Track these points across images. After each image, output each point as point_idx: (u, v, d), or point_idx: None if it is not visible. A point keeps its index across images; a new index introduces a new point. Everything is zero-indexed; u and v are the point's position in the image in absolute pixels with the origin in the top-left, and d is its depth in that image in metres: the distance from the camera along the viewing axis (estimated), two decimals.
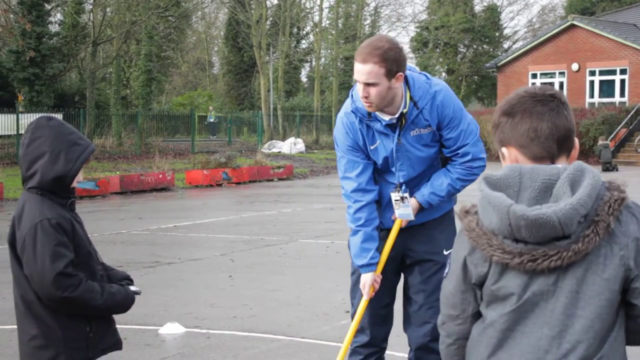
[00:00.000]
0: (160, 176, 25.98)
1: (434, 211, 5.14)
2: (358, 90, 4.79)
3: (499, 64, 48.61)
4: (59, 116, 34.18)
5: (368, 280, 5.01)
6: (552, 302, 2.49)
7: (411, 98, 4.87)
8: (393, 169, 5.03)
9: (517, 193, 2.49)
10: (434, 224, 5.17)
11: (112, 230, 14.73)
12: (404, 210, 4.97)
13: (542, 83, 45.72)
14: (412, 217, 5.00)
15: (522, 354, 2.51)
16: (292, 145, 41.69)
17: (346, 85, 55.56)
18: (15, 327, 7.85)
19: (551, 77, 45.68)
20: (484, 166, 4.96)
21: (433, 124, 4.94)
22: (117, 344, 4.11)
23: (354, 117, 4.94)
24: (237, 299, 9.56)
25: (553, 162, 2.58)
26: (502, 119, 2.65)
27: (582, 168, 2.48)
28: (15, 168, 27.47)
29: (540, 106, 2.58)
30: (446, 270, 2.77)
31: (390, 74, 4.65)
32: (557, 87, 45.05)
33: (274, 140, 43.55)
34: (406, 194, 4.99)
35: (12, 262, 3.94)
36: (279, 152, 40.33)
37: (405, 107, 4.85)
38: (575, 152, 2.64)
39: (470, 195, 3.27)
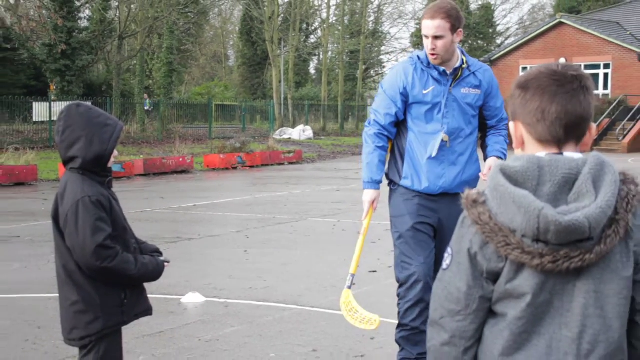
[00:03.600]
0: (181, 160, 25.99)
1: (466, 184, 5.13)
2: (425, 45, 5.10)
3: (492, 59, 48.39)
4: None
5: (375, 197, 5.30)
6: (569, 303, 2.23)
7: (467, 62, 5.24)
8: (439, 115, 5.19)
9: (536, 187, 2.20)
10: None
11: (137, 209, 14.75)
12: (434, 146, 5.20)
13: None
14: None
15: (541, 356, 2.25)
16: (301, 132, 41.65)
17: (351, 77, 55.59)
18: (50, 295, 7.96)
19: None
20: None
21: (483, 87, 5.31)
22: (148, 310, 4.17)
23: (410, 66, 5.24)
24: (252, 271, 9.61)
25: (559, 147, 2.28)
26: (516, 92, 2.34)
27: (602, 162, 2.21)
28: (48, 152, 27.54)
29: (555, 86, 2.25)
30: (448, 262, 2.40)
31: (453, 29, 5.04)
32: None
33: (284, 127, 43.49)
34: (448, 138, 5.21)
35: (55, 235, 3.99)
36: (289, 138, 40.26)
37: (462, 64, 5.20)
38: (589, 138, 2.32)
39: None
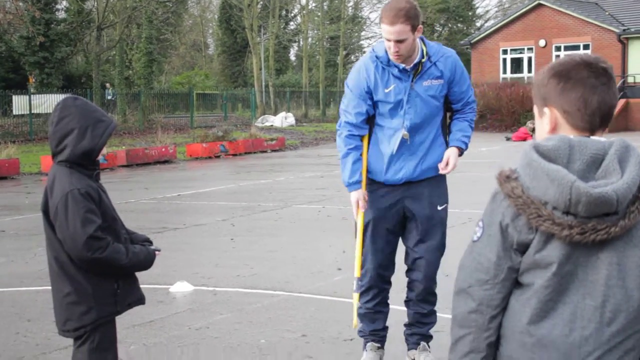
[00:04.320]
0: (163, 150, 26.00)
1: (430, 170, 5.36)
2: (387, 47, 5.08)
3: (472, 41, 48.55)
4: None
5: (359, 196, 5.31)
6: (593, 274, 2.39)
7: (427, 53, 5.20)
8: (401, 112, 5.25)
9: (567, 164, 2.35)
10: (428, 182, 5.41)
11: (122, 200, 14.68)
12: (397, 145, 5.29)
13: (512, 58, 45.88)
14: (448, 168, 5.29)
15: (566, 324, 2.39)
16: (283, 119, 41.71)
17: (332, 63, 55.62)
18: (39, 288, 8.02)
19: (520, 52, 45.66)
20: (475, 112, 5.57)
21: (445, 76, 5.28)
22: (141, 299, 4.23)
23: (371, 64, 5.26)
24: (239, 259, 9.68)
25: (592, 133, 2.47)
26: (553, 80, 2.51)
27: (627, 145, 2.39)
28: (29, 145, 27.54)
29: (594, 79, 2.45)
30: (478, 234, 2.53)
31: (414, 29, 5.02)
32: (525, 62, 45.37)
33: (266, 115, 43.55)
34: (408, 135, 5.28)
35: (46, 228, 4.03)
36: (271, 125, 40.35)
37: (422, 57, 5.18)
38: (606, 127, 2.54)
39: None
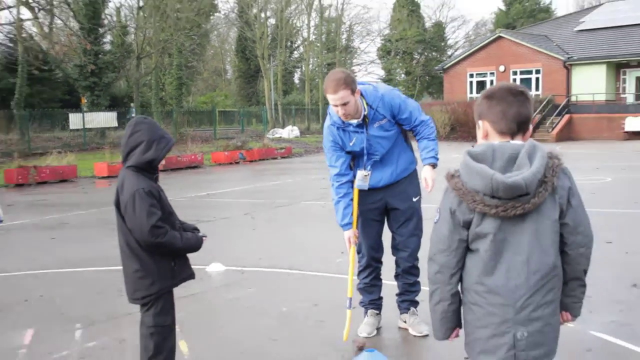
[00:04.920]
0: (193, 157, 26.03)
1: (404, 172, 5.56)
2: (335, 111, 5.23)
3: (444, 67, 48.48)
4: (114, 114, 34.56)
5: (350, 234, 5.47)
6: (519, 239, 2.75)
7: (367, 104, 5.29)
8: (365, 154, 5.41)
9: (491, 163, 2.71)
10: (404, 181, 5.57)
11: None
12: (361, 182, 5.42)
13: (477, 81, 45.83)
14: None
15: (504, 275, 2.76)
16: (290, 132, 41.75)
17: None
18: (103, 268, 8.17)
19: (484, 76, 45.51)
20: (431, 119, 5.52)
21: (387, 115, 5.36)
22: (192, 275, 4.40)
23: (334, 129, 5.39)
24: (260, 245, 9.81)
25: (512, 138, 2.83)
26: (484, 101, 2.89)
27: (534, 145, 2.75)
28: (84, 154, 27.59)
29: (512, 97, 2.83)
30: (437, 218, 2.91)
31: (352, 92, 5.11)
32: (488, 84, 45.06)
33: (276, 128, 43.54)
34: (369, 172, 5.44)
35: (118, 219, 4.18)
36: (280, 137, 40.32)
37: (365, 111, 5.29)
38: (529, 133, 2.87)
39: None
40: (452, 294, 2.94)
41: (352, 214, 5.45)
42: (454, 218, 2.83)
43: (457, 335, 3.03)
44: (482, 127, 2.91)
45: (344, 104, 5.11)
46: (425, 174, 5.36)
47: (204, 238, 4.44)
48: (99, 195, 17.38)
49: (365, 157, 5.44)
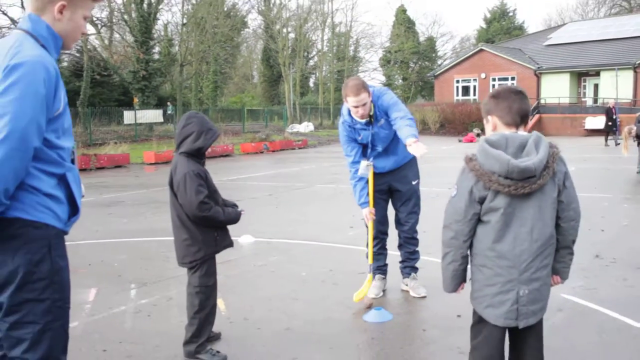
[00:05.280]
0: (225, 147, 25.92)
1: (404, 159, 5.50)
2: (354, 112, 5.14)
3: (435, 74, 48.26)
4: (160, 111, 34.55)
5: (367, 212, 5.41)
6: (525, 212, 2.82)
7: (372, 105, 5.22)
8: (369, 147, 5.38)
9: (505, 150, 2.79)
10: (405, 167, 5.53)
11: None
12: (364, 171, 5.31)
13: (462, 86, 45.64)
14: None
15: (511, 243, 2.83)
16: (305, 127, 41.55)
17: (339, 88, 55.27)
18: (151, 238, 8.14)
19: (468, 82, 45.25)
20: (413, 119, 5.10)
21: (383, 114, 5.26)
22: (231, 243, 4.36)
23: (346, 125, 5.34)
24: (282, 220, 9.77)
25: (517, 128, 2.90)
26: (491, 100, 2.96)
27: (539, 136, 2.84)
28: (135, 145, 27.59)
29: (514, 95, 2.92)
30: (454, 193, 2.94)
31: (369, 94, 5.08)
32: (472, 88, 45.01)
33: (294, 124, 43.37)
34: (371, 162, 5.36)
35: (171, 196, 4.16)
36: (298, 131, 40.15)
37: (372, 111, 5.23)
38: (529, 125, 3.00)
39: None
40: (463, 256, 2.98)
41: (367, 195, 5.39)
42: (472, 195, 2.86)
43: (462, 288, 3.08)
44: (491, 121, 2.97)
45: (364, 105, 5.08)
46: (415, 148, 4.77)
47: (242, 212, 4.40)
48: (148, 179, 17.38)
49: (370, 150, 5.41)
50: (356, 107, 5.09)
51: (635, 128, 14.15)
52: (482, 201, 2.86)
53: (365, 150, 5.46)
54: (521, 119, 2.91)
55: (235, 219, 4.25)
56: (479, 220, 2.92)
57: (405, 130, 4.91)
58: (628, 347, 4.36)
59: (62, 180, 2.49)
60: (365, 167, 5.34)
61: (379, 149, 5.40)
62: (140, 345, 4.56)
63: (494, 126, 2.97)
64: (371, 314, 5.04)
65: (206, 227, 4.12)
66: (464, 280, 3.06)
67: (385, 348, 4.42)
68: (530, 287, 2.89)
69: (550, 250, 2.92)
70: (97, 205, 11.92)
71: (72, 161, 2.59)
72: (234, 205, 4.39)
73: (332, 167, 19.48)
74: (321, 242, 8.08)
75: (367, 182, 5.40)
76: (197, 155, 4.14)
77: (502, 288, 2.90)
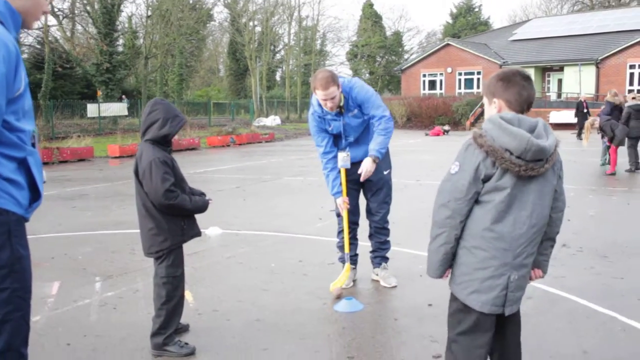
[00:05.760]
0: (191, 140, 25.62)
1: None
2: (323, 104, 5.12)
3: (402, 68, 48.38)
4: (125, 105, 34.03)
5: (340, 201, 5.39)
6: (527, 196, 2.73)
7: (344, 96, 5.20)
8: (342, 137, 5.37)
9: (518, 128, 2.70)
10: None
11: None
12: (343, 162, 5.30)
13: (429, 80, 45.86)
14: (348, 166, 5.32)
15: (511, 225, 2.72)
16: (272, 120, 41.35)
17: (306, 82, 55.30)
18: (116, 231, 7.99)
19: (434, 76, 45.47)
20: (390, 118, 5.26)
21: (356, 106, 5.27)
22: (199, 233, 4.26)
23: (316, 116, 5.30)
24: (251, 212, 9.67)
25: (522, 114, 2.80)
26: (499, 82, 2.82)
27: (546, 123, 2.78)
28: (99, 138, 27.14)
29: (524, 82, 2.79)
30: (456, 169, 2.77)
31: (338, 87, 5.06)
32: (438, 83, 45.28)
33: (260, 117, 43.12)
34: (347, 153, 5.33)
35: (136, 184, 4.06)
36: (264, 124, 39.95)
37: (342, 102, 5.20)
38: (530, 111, 2.84)
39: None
40: (456, 238, 2.83)
41: (340, 184, 5.36)
42: (477, 172, 2.71)
43: (447, 275, 2.93)
44: (497, 104, 2.83)
45: (332, 98, 5.04)
46: (364, 164, 5.21)
47: (209, 201, 4.31)
48: (112, 172, 17.09)
49: (343, 140, 5.39)
50: (325, 100, 5.07)
51: (598, 120, 14.35)
52: (487, 179, 2.72)
53: (337, 140, 5.41)
54: (527, 106, 2.82)
55: (202, 207, 4.16)
56: (476, 201, 2.79)
57: (375, 141, 5.20)
58: (598, 333, 4.39)
59: (23, 165, 2.38)
60: (344, 158, 5.31)
61: (351, 139, 5.38)
62: (106, 338, 4.45)
63: (499, 109, 2.84)
64: (342, 304, 4.99)
65: (173, 215, 4.02)
66: (450, 266, 2.93)
67: (356, 337, 4.38)
68: (520, 273, 2.81)
69: (540, 238, 2.87)
70: (60, 199, 11.67)
71: (33, 145, 2.47)
72: (202, 194, 4.29)
73: (299, 160, 19.40)
74: (290, 233, 8.01)
75: (339, 172, 5.36)
76: (163, 143, 4.04)
77: (495, 272, 2.79)
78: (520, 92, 2.78)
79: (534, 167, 2.67)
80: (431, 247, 2.90)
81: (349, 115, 5.24)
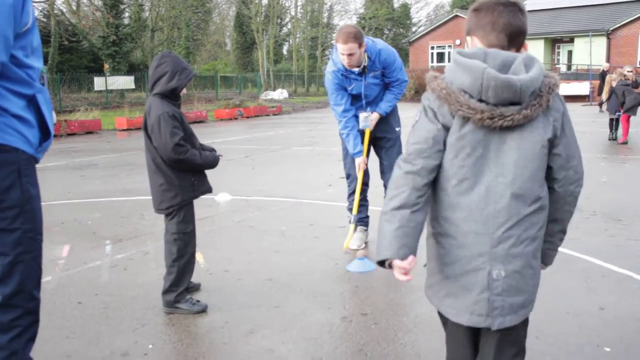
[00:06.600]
0: (199, 113, 25.54)
1: (388, 109, 5.43)
2: (342, 59, 5.06)
3: (410, 41, 48.03)
4: (132, 78, 33.88)
5: (361, 160, 5.32)
6: (505, 158, 2.01)
7: (368, 56, 5.13)
8: (362, 97, 5.31)
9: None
10: (388, 115, 5.45)
11: None
12: (365, 122, 5.28)
13: (437, 53, 45.47)
14: (370, 127, 5.33)
15: (483, 196, 2.01)
16: (280, 94, 41.17)
17: (313, 56, 54.97)
18: (124, 198, 7.97)
19: (443, 48, 45.09)
20: (407, 82, 5.40)
21: (380, 67, 5.21)
22: (209, 189, 4.20)
23: (338, 73, 5.22)
24: (260, 179, 9.63)
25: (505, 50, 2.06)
26: (472, 14, 2.13)
27: (532, 57, 2.04)
28: (106, 111, 27.10)
29: (502, 7, 2.06)
30: (417, 118, 2.14)
31: (359, 46, 4.98)
32: (446, 55, 44.86)
33: (268, 91, 42.94)
34: (369, 113, 5.27)
35: (145, 139, 4.00)
36: (272, 98, 39.77)
37: (365, 62, 5.14)
38: (524, 49, 2.10)
39: None
40: (421, 203, 2.09)
41: (361, 144, 5.33)
42: (435, 118, 2.07)
43: (409, 264, 2.05)
44: (471, 43, 2.13)
45: (350, 54, 4.98)
46: (373, 116, 5.34)
47: (220, 156, 4.25)
48: (120, 144, 17.05)
49: (363, 101, 5.34)
50: (342, 54, 5.01)
51: (618, 80, 14.18)
52: (447, 129, 2.07)
53: (353, 101, 5.35)
54: (509, 39, 2.05)
55: (213, 162, 4.11)
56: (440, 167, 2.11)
57: (386, 100, 5.37)
58: (614, 290, 4.34)
59: (32, 102, 2.32)
60: (365, 119, 5.28)
61: (370, 99, 5.36)
62: (117, 297, 4.43)
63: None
64: (354, 264, 4.95)
65: (183, 171, 3.97)
66: (414, 253, 2.09)
67: (370, 295, 4.34)
68: (509, 268, 2.04)
69: (538, 218, 2.07)
70: (69, 168, 11.66)
71: (42, 85, 2.41)
72: (212, 150, 4.23)
73: (308, 131, 19.31)
74: (299, 199, 7.98)
75: (359, 131, 5.33)
76: (172, 97, 3.96)
77: (468, 265, 2.06)
78: (495, 21, 2.06)
79: (504, 113, 1.95)
80: (382, 216, 2.14)
81: (371, 75, 5.23)
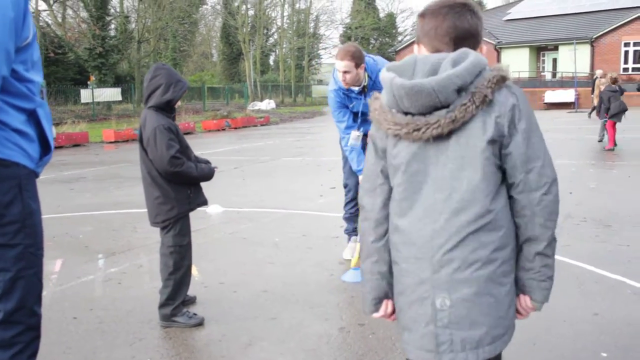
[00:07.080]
0: (186, 125, 25.45)
1: None
2: (338, 76, 5.07)
3: (396, 50, 48.31)
4: (118, 90, 33.79)
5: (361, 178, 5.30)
6: (441, 170, 1.79)
7: (368, 75, 5.13)
8: (359, 118, 5.30)
9: (412, 75, 1.79)
10: None
11: None
12: (355, 141, 5.25)
13: None
14: (358, 147, 5.27)
15: (420, 216, 1.81)
16: (267, 104, 41.25)
17: (300, 66, 55.06)
18: (115, 211, 7.92)
19: None
20: None
21: (381, 87, 5.18)
22: (205, 201, 4.22)
23: (340, 92, 5.22)
24: (250, 190, 9.62)
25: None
26: (418, 20, 1.94)
27: (467, 52, 1.79)
28: (93, 123, 26.99)
29: (446, 9, 1.86)
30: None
31: (356, 66, 4.96)
32: None
33: (255, 101, 43.00)
34: (361, 133, 5.27)
35: (141, 152, 4.00)
36: (259, 109, 39.83)
37: (365, 82, 5.14)
38: (480, 52, 1.87)
39: None
40: (377, 248, 1.93)
41: (363, 159, 5.32)
42: (375, 145, 1.93)
43: (387, 312, 1.96)
44: (419, 52, 1.92)
45: (345, 72, 4.98)
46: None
47: (215, 169, 4.27)
48: (109, 156, 16.99)
49: (359, 120, 5.33)
50: (338, 71, 5.02)
51: (605, 85, 14.31)
52: (385, 154, 1.91)
53: (353, 118, 5.38)
54: (455, 43, 1.85)
55: (208, 174, 4.13)
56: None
57: None
58: (607, 296, 4.39)
59: (33, 117, 2.32)
60: (356, 138, 5.28)
61: (361, 128, 5.35)
62: (112, 311, 4.41)
63: None
64: (350, 274, 4.97)
65: (179, 183, 3.98)
66: (388, 296, 1.96)
67: None
68: (454, 296, 1.79)
69: (491, 237, 1.78)
70: (57, 182, 11.59)
71: (42, 99, 2.42)
72: (207, 162, 4.24)
73: (296, 141, 19.32)
74: (290, 209, 7.98)
75: (361, 148, 5.32)
76: (167, 109, 3.97)
77: (412, 295, 1.85)
78: (439, 25, 1.87)
79: (429, 121, 1.75)
80: (363, 266, 2.00)
81: (371, 95, 5.20)
